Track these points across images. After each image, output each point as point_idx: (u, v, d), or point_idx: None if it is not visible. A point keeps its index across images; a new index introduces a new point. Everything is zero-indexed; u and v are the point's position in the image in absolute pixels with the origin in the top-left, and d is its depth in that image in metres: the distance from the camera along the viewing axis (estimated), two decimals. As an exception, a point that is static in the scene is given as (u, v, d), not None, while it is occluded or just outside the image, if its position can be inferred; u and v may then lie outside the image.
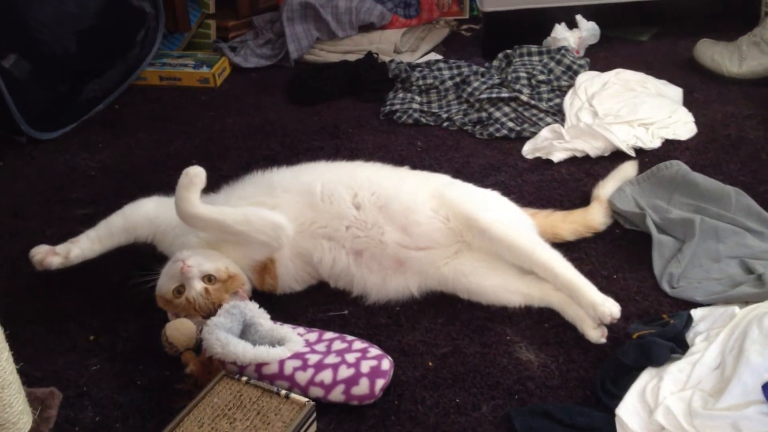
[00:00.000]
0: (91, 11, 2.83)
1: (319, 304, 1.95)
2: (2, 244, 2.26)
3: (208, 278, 1.82)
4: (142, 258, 1.98)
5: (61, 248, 1.98)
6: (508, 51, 2.96)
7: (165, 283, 1.85)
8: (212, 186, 2.17)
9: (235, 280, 1.86)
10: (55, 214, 2.39)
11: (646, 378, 1.58)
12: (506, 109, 2.66)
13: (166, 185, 2.11)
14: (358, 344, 1.74)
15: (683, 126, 2.50)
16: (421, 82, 2.89)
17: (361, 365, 1.66)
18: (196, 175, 1.85)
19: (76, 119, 2.89)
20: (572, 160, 2.41)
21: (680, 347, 1.63)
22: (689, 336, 1.68)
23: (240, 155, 2.63)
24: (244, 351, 1.66)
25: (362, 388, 1.63)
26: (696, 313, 1.75)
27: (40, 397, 1.67)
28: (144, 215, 2.04)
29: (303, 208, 1.94)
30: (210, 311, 1.81)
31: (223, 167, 2.55)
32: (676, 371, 1.57)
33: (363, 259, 1.92)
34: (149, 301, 1.90)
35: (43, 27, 2.68)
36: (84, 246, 1.99)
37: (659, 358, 1.60)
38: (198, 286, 1.81)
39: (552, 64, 2.83)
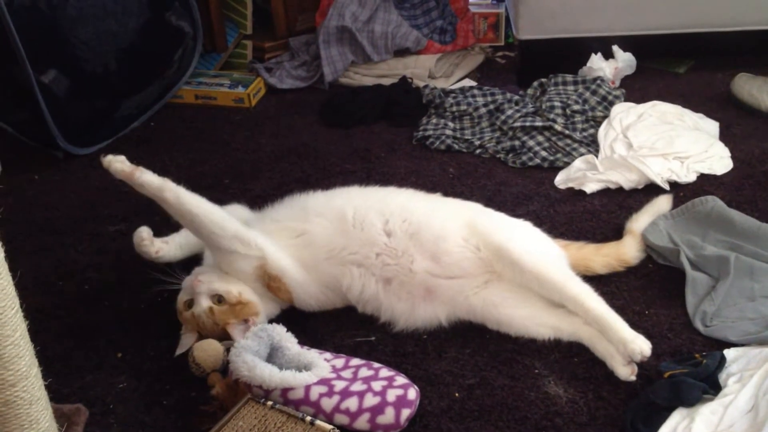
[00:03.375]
0: (130, 30, 2.87)
1: (347, 330, 1.94)
2: (34, 258, 2.28)
3: (218, 299, 1.84)
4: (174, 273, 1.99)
5: (157, 244, 2.04)
6: (543, 80, 2.95)
7: (181, 294, 1.89)
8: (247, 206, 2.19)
9: (247, 307, 1.86)
10: (88, 230, 2.41)
11: (676, 419, 1.56)
12: (540, 138, 2.65)
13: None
14: (385, 372, 1.73)
15: (719, 161, 2.47)
16: (454, 109, 2.89)
17: (387, 394, 1.65)
18: (121, 164, 1.85)
19: (112, 136, 2.93)
20: (605, 192, 2.39)
21: (713, 388, 1.60)
22: (722, 377, 1.65)
23: (272, 176, 2.64)
24: (270, 375, 1.66)
25: (388, 417, 1.62)
26: (729, 353, 1.72)
27: (67, 413, 1.68)
28: None
29: (334, 234, 1.94)
30: (213, 331, 1.83)
31: (255, 188, 2.56)
32: (708, 413, 1.55)
33: (392, 286, 1.91)
34: (177, 319, 1.91)
35: (83, 45, 2.72)
36: (171, 251, 2.06)
37: (691, 399, 1.57)
38: (204, 303, 1.83)
39: (587, 94, 2.82)
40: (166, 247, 2.05)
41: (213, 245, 1.90)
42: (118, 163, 1.81)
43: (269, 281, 1.91)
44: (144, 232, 2.04)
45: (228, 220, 1.88)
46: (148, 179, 1.83)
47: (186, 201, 1.84)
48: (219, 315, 1.83)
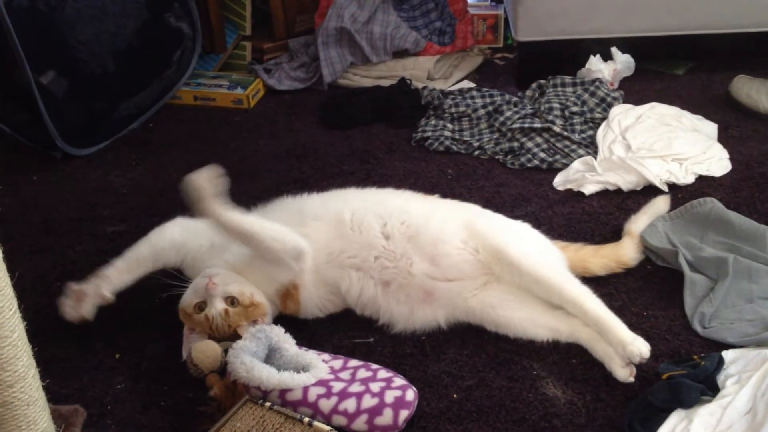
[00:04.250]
0: (129, 31, 2.87)
1: (345, 331, 1.94)
2: (32, 259, 2.28)
3: (231, 300, 1.83)
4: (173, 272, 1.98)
5: (89, 288, 1.93)
6: (542, 81, 2.95)
7: (189, 296, 1.87)
8: (243, 207, 2.18)
9: (258, 308, 1.86)
10: (86, 230, 2.41)
11: (675, 420, 1.56)
12: (538, 139, 2.65)
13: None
14: (383, 373, 1.73)
15: (718, 162, 2.47)
16: (453, 110, 2.89)
17: (385, 395, 1.65)
18: (202, 186, 1.80)
19: (111, 137, 2.93)
20: (604, 194, 2.39)
21: (711, 390, 1.60)
22: (720, 378, 1.65)
23: (271, 177, 2.64)
24: (268, 376, 1.66)
25: (386, 418, 1.61)
26: (727, 354, 1.71)
27: (64, 414, 1.67)
28: (170, 241, 2.02)
29: (333, 238, 1.93)
30: (225, 333, 1.82)
31: (254, 189, 2.55)
32: (706, 414, 1.54)
33: (390, 289, 1.91)
34: (175, 320, 1.90)
35: (82, 46, 2.72)
36: (114, 280, 1.95)
37: (689, 400, 1.57)
38: (219, 305, 1.82)
39: (586, 96, 2.82)
40: (107, 283, 1.94)
41: (268, 258, 1.87)
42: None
43: (289, 288, 1.91)
44: (66, 309, 1.91)
45: (288, 235, 1.87)
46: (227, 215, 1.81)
47: (248, 225, 1.84)
48: (233, 317, 1.82)
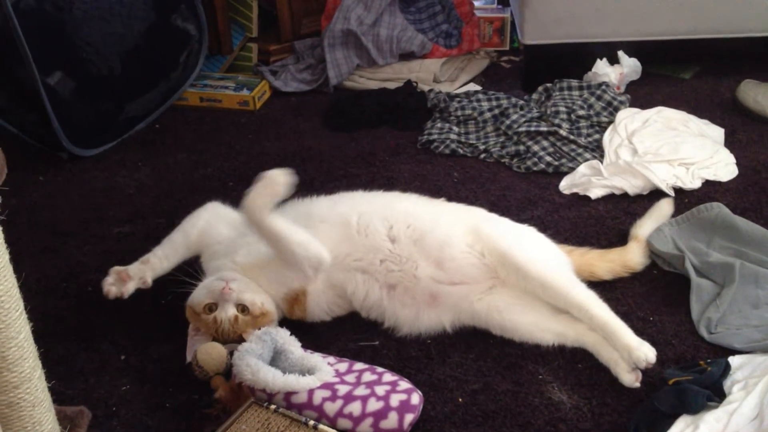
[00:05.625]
0: (136, 32, 2.87)
1: (350, 334, 1.94)
2: (39, 260, 2.28)
3: (242, 308, 1.82)
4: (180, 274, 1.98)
5: (133, 271, 1.96)
6: (548, 84, 2.94)
7: (200, 295, 1.85)
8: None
9: (266, 317, 1.86)
10: (92, 231, 2.41)
11: (681, 426, 1.55)
12: (545, 143, 2.65)
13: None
14: (388, 377, 1.72)
15: (724, 167, 2.47)
16: (459, 113, 2.89)
17: (390, 398, 1.65)
18: (276, 184, 1.81)
19: (117, 137, 2.93)
20: (610, 198, 2.39)
21: (717, 395, 1.60)
22: (727, 384, 1.64)
23: (276, 179, 2.64)
24: (273, 379, 1.66)
25: (391, 422, 1.61)
26: (734, 360, 1.71)
27: (70, 415, 1.67)
28: (199, 230, 2.05)
29: (339, 240, 1.93)
30: (230, 338, 1.82)
31: (260, 191, 2.55)
32: (712, 420, 1.54)
33: (396, 292, 1.91)
34: (181, 322, 1.90)
35: (89, 46, 2.72)
36: (156, 267, 1.99)
37: (695, 406, 1.56)
38: (230, 311, 1.81)
39: (592, 100, 2.82)
40: (149, 269, 1.97)
41: (288, 262, 1.86)
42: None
43: (298, 294, 1.91)
44: (107, 285, 1.94)
45: (313, 243, 1.86)
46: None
47: (280, 228, 1.83)
48: (241, 324, 1.82)
